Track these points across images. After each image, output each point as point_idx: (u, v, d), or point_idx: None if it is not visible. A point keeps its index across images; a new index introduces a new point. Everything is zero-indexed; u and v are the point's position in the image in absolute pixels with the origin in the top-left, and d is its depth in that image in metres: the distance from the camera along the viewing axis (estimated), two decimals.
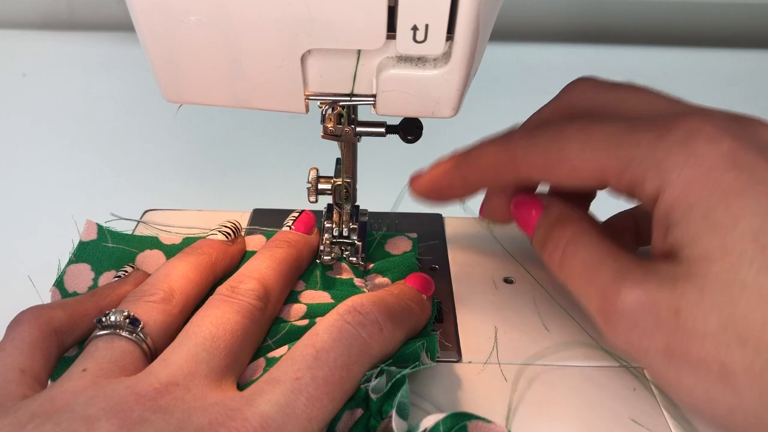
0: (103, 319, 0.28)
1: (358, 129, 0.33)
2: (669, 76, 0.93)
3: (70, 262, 0.35)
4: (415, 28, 0.24)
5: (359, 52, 0.26)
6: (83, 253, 0.36)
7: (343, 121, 0.32)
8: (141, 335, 0.28)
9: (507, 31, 1.00)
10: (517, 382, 0.32)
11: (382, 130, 0.34)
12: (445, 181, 0.34)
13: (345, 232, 0.38)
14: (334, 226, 0.38)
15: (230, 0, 0.24)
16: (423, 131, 0.34)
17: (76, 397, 0.24)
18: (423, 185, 0.35)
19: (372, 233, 0.41)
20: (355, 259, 0.38)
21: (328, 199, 0.38)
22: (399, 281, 0.35)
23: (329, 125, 0.32)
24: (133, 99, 0.80)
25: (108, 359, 0.26)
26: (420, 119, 0.33)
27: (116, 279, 0.35)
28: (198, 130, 0.76)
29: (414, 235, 0.41)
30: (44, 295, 0.35)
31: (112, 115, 0.79)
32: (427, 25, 0.24)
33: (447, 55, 0.26)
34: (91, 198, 0.64)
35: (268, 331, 0.33)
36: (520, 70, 0.93)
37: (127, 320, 0.28)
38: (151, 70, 0.27)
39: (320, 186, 0.36)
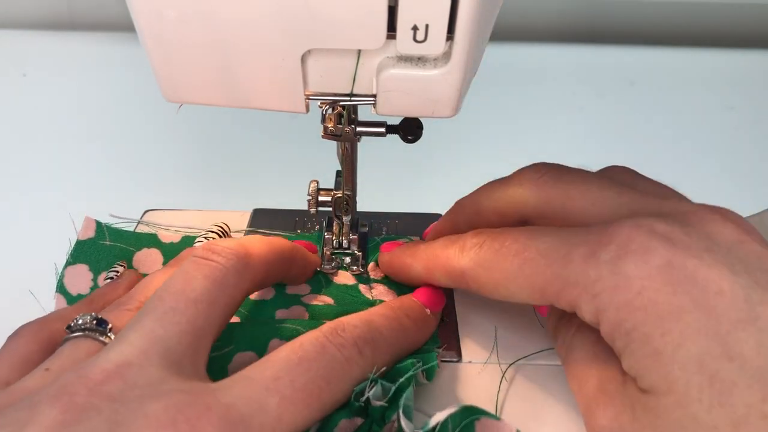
0: (72, 324, 0.27)
1: (358, 129, 0.33)
2: (669, 76, 0.93)
3: (68, 264, 0.35)
4: (415, 28, 0.24)
5: (359, 51, 0.26)
6: (80, 253, 0.36)
7: (344, 121, 0.32)
8: (110, 336, 0.27)
9: (507, 31, 1.00)
10: (517, 382, 0.32)
11: (382, 130, 0.34)
12: (404, 271, 0.35)
13: (345, 244, 0.38)
14: (333, 237, 0.38)
15: (230, 1, 0.24)
16: (423, 131, 0.33)
17: (31, 391, 0.23)
18: (386, 263, 0.36)
19: (374, 239, 0.41)
20: (355, 267, 0.38)
21: (328, 211, 0.38)
22: (405, 295, 0.34)
23: (329, 125, 0.32)
24: (133, 99, 0.80)
25: (72, 359, 0.26)
26: (420, 119, 0.33)
27: (108, 281, 0.35)
28: (198, 130, 0.76)
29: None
30: (41, 296, 0.34)
31: (112, 115, 0.79)
32: (427, 25, 0.24)
33: (447, 55, 0.26)
34: (91, 198, 0.64)
35: (256, 330, 0.32)
36: (520, 70, 0.93)
37: (94, 322, 0.27)
38: (151, 70, 0.27)
39: (320, 198, 0.36)
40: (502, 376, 0.32)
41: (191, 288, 0.26)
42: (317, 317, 0.34)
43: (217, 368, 0.30)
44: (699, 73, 0.94)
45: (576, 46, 1.00)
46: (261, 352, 0.31)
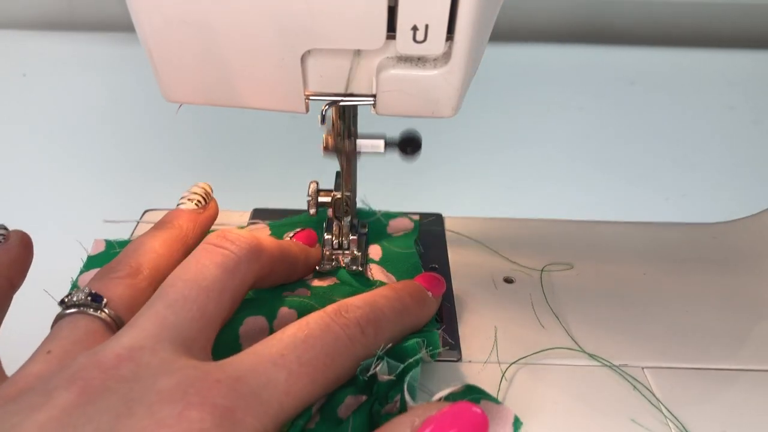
0: (66, 300, 0.27)
1: (358, 150, 0.33)
2: (669, 76, 0.93)
3: (81, 272, 0.35)
4: (415, 28, 0.24)
5: (354, 52, 0.26)
6: (91, 264, 0.36)
7: (344, 130, 0.32)
8: (106, 311, 0.27)
9: (507, 31, 1.00)
10: (517, 382, 0.32)
11: (381, 150, 0.33)
12: None
13: (345, 244, 0.38)
14: (333, 238, 0.38)
15: (230, 0, 0.24)
16: (422, 140, 0.33)
17: (40, 379, 0.23)
18: None
19: (374, 212, 0.41)
20: (354, 267, 0.38)
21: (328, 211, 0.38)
22: (408, 279, 0.35)
23: (329, 139, 0.33)
24: (133, 99, 0.80)
25: (72, 340, 0.26)
26: (419, 136, 0.33)
27: None
28: (198, 130, 0.77)
29: (416, 218, 0.41)
30: (44, 296, 0.34)
31: (112, 115, 0.79)
32: (427, 25, 0.24)
33: (447, 55, 0.26)
34: (91, 198, 0.65)
35: (264, 305, 0.32)
36: (520, 70, 0.93)
37: (89, 297, 0.27)
38: (152, 70, 0.27)
39: (320, 199, 0.37)
40: (502, 376, 0.32)
41: (203, 276, 0.27)
42: (321, 296, 0.35)
43: (228, 332, 0.30)
44: (699, 73, 0.94)
45: (576, 46, 1.00)
46: (271, 317, 0.31)
